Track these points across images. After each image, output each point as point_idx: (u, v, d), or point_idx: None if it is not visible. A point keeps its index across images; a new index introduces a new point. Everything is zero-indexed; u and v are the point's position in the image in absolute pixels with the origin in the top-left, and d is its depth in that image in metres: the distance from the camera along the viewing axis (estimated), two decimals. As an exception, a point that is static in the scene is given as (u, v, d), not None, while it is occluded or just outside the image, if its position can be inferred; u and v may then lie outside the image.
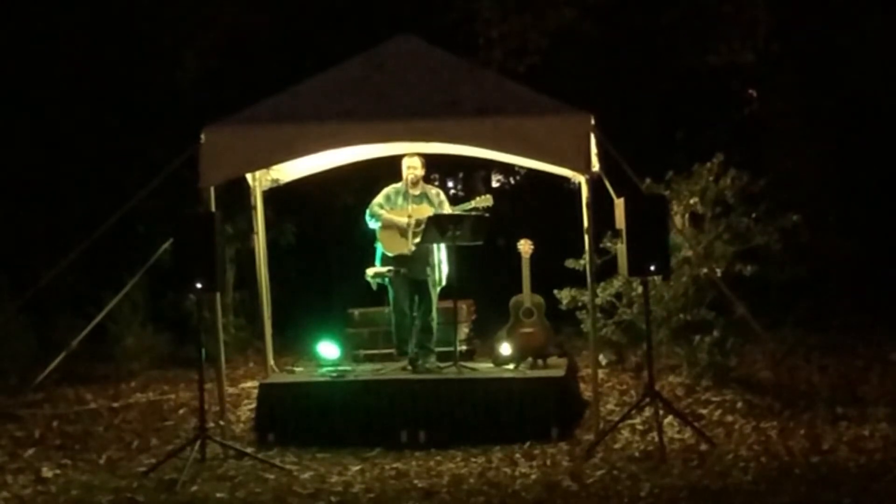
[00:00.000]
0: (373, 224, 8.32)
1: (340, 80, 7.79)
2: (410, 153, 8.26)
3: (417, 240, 8.10)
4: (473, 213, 8.17)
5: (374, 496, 6.20)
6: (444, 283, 8.33)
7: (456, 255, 8.22)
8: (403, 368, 8.12)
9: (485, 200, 8.30)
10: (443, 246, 8.18)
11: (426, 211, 8.18)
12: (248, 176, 8.18)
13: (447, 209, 8.30)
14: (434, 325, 8.31)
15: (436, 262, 8.25)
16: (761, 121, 12.98)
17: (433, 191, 8.44)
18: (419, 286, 8.26)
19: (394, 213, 8.27)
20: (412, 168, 8.26)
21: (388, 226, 8.25)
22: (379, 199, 8.36)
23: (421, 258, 8.19)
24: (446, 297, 8.33)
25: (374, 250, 8.41)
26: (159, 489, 6.41)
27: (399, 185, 8.37)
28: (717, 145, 9.21)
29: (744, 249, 8.57)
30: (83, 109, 12.07)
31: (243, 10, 12.38)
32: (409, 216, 8.18)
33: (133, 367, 10.22)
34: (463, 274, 8.40)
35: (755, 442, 6.95)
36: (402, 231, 8.20)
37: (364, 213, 8.37)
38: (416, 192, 8.31)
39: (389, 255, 8.25)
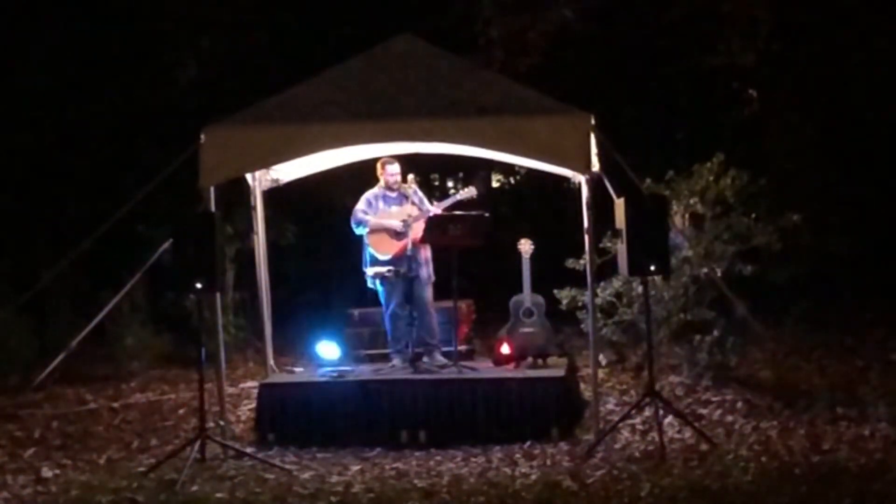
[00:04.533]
0: (360, 230, 8.30)
1: (340, 80, 7.78)
2: (389, 159, 8.29)
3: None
4: (473, 212, 8.17)
5: (374, 496, 6.19)
6: (433, 278, 8.32)
7: (456, 256, 8.21)
8: (404, 368, 8.12)
9: (468, 192, 8.28)
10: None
11: (411, 209, 8.18)
12: (248, 176, 8.17)
13: (427, 204, 8.31)
14: (434, 322, 8.29)
15: (422, 259, 8.24)
16: (761, 121, 12.99)
17: (409, 189, 8.38)
18: (411, 284, 8.20)
19: (381, 216, 8.26)
20: (395, 174, 8.30)
21: (377, 229, 8.24)
22: (360, 205, 8.33)
23: (412, 256, 8.16)
24: (447, 298, 8.32)
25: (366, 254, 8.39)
26: (159, 489, 6.40)
27: (376, 189, 8.37)
28: (717, 145, 9.21)
29: (744, 249, 8.56)
30: (83, 110, 12.08)
31: (243, 10, 12.39)
32: (404, 220, 8.15)
33: (133, 367, 10.24)
34: (463, 274, 8.39)
35: (755, 442, 6.95)
36: (393, 233, 8.19)
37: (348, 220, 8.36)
38: (394, 193, 8.32)
39: (381, 258, 8.23)
